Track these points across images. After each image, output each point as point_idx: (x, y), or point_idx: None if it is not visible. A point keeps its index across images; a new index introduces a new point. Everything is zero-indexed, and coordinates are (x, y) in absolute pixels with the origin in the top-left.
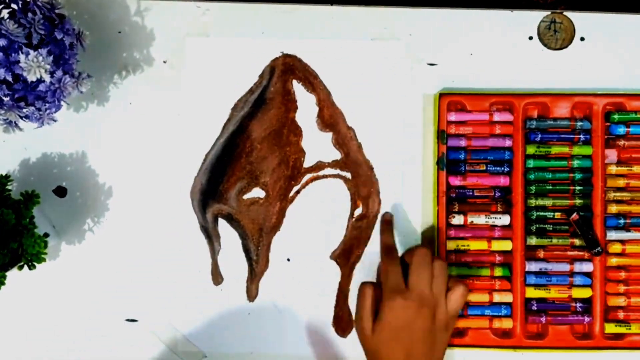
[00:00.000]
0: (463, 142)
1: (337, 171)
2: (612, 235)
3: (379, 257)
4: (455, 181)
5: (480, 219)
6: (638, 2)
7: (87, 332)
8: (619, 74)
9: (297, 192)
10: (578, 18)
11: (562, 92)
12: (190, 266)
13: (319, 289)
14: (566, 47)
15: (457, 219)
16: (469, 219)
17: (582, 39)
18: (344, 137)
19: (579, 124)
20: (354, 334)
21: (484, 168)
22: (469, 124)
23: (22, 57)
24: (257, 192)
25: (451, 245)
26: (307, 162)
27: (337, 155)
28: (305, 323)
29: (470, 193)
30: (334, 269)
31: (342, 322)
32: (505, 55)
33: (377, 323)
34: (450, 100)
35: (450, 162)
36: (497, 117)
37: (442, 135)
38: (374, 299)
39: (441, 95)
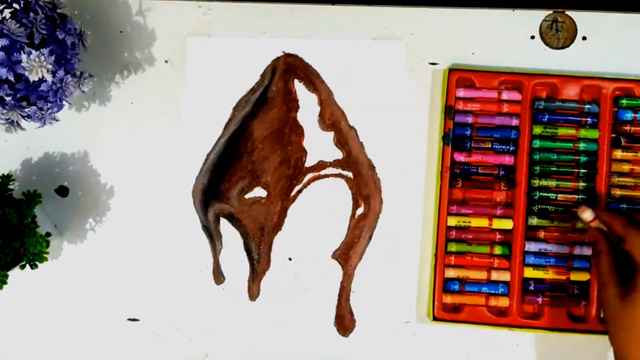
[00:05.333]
0: (470, 119)
1: (339, 170)
2: None
3: (380, 256)
4: (460, 157)
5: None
6: (639, 2)
7: (88, 331)
8: (621, 73)
9: (299, 191)
10: (580, 17)
11: (572, 74)
12: (191, 266)
13: (320, 288)
14: (568, 46)
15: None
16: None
17: (584, 38)
18: (345, 137)
19: (587, 107)
20: (355, 333)
21: (490, 146)
22: (477, 100)
23: (24, 56)
24: (259, 192)
25: (452, 221)
26: (309, 162)
27: (338, 154)
28: (307, 323)
29: (474, 170)
30: (335, 269)
31: (344, 322)
32: (507, 55)
33: (630, 292)
34: (459, 76)
35: (456, 138)
36: (505, 95)
37: (449, 111)
38: (613, 265)
39: (450, 70)
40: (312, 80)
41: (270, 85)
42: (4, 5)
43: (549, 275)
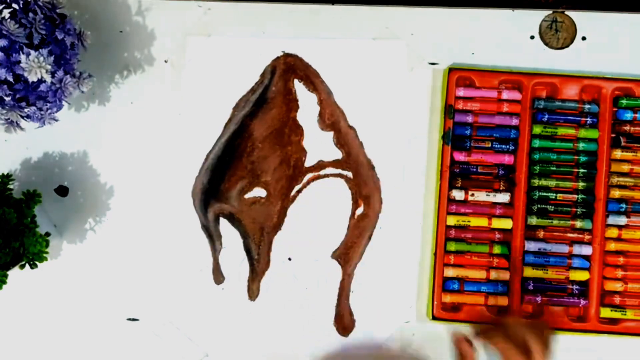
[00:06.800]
0: (470, 118)
1: (339, 170)
2: (613, 219)
3: (380, 256)
4: (460, 157)
5: (480, 195)
6: (639, 2)
7: (88, 331)
8: (620, 73)
9: (299, 191)
10: (579, 17)
11: (572, 74)
12: (191, 265)
13: (320, 288)
14: (567, 46)
15: (458, 195)
16: (470, 195)
17: (584, 38)
18: (345, 137)
19: (587, 106)
20: (354, 333)
21: (489, 145)
22: (477, 100)
23: (23, 57)
24: (259, 192)
25: (451, 220)
26: (309, 162)
27: (338, 154)
28: (306, 322)
29: (474, 169)
30: (335, 268)
31: (343, 321)
32: (507, 55)
33: None
34: (459, 76)
35: (455, 137)
36: (505, 95)
37: (449, 110)
38: None
39: (450, 70)
40: (312, 80)
41: (270, 85)
42: (3, 5)
43: (548, 274)
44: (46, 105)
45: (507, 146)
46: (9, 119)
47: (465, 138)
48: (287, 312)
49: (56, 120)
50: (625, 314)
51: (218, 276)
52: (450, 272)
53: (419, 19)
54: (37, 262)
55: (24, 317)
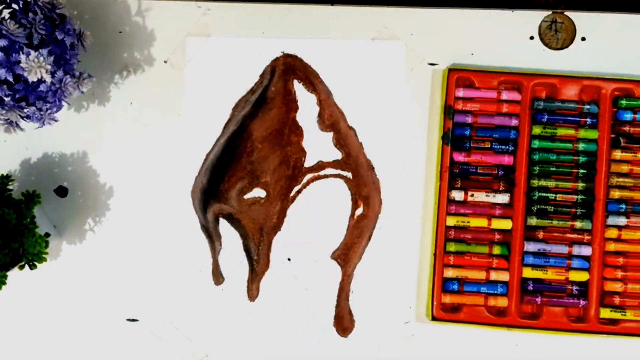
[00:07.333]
0: (469, 119)
1: (338, 171)
2: (612, 220)
3: (379, 256)
4: (459, 157)
5: (480, 196)
6: (639, 2)
7: (88, 331)
8: (620, 73)
9: (298, 192)
10: (579, 18)
11: (572, 74)
12: (191, 266)
13: (319, 288)
14: (567, 47)
15: (458, 196)
16: (469, 195)
17: (583, 38)
18: (344, 137)
19: (587, 107)
20: (354, 333)
21: (489, 146)
22: (476, 100)
23: (23, 57)
24: (258, 192)
25: (451, 221)
26: (308, 162)
27: (338, 155)
28: (306, 323)
29: (474, 170)
30: (334, 269)
31: (343, 322)
32: (507, 55)
33: None
34: (458, 76)
35: (455, 138)
36: (505, 95)
37: (448, 111)
38: None
39: (450, 70)
40: (312, 80)
41: (269, 85)
42: (3, 5)
43: (547, 275)
44: (46, 105)
45: (507, 147)
46: (8, 119)
47: (465, 139)
48: (287, 312)
49: (56, 121)
50: (625, 315)
51: (217, 277)
52: (449, 273)
53: (419, 19)
54: (36, 263)
55: (23, 317)
